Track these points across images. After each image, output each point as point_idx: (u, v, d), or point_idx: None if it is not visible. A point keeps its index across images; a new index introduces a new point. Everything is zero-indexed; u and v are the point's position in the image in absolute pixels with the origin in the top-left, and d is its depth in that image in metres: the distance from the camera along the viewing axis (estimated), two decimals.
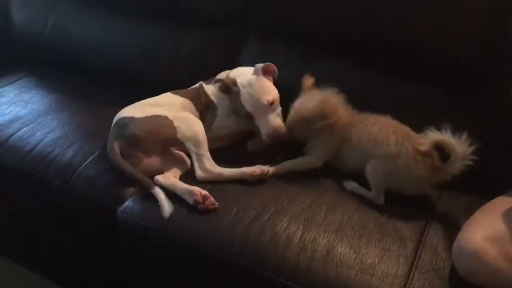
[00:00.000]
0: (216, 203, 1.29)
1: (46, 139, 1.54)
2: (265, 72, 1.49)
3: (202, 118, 1.51)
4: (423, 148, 1.28)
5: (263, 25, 1.71)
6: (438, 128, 1.26)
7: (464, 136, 1.24)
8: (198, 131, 1.43)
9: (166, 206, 1.28)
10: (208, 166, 1.38)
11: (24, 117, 1.65)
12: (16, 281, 1.70)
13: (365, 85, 1.55)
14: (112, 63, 1.87)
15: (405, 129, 1.36)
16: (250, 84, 1.47)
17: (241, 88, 1.47)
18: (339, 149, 1.39)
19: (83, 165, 1.45)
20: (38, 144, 1.53)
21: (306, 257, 1.17)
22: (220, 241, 1.23)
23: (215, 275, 1.25)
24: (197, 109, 1.53)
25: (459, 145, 1.24)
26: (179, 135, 1.40)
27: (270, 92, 1.46)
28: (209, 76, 1.60)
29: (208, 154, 1.40)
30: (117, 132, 1.42)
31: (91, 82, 1.87)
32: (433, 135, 1.27)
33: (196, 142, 1.40)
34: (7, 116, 1.65)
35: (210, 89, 1.56)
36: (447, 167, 1.27)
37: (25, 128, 1.59)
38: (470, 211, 1.22)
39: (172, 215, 1.28)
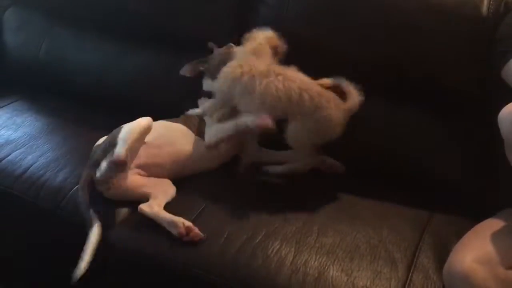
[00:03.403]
0: (201, 234, 1.26)
1: (37, 163, 1.54)
2: None
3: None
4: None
5: None
6: None
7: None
8: (133, 127, 1.37)
9: (80, 267, 1.25)
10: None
11: (16, 140, 1.64)
12: None
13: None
14: (105, 88, 1.88)
15: (311, 82, 1.39)
16: None
17: None
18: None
19: (74, 188, 1.44)
20: (29, 167, 1.52)
21: (298, 281, 1.17)
22: (212, 265, 1.23)
23: None
24: (195, 132, 1.53)
25: (347, 83, 1.36)
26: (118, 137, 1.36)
27: None
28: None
29: (126, 144, 1.32)
30: (88, 163, 1.43)
31: (84, 106, 1.87)
32: (326, 81, 1.37)
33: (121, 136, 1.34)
34: None
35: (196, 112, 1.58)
36: (350, 103, 1.36)
37: (17, 151, 1.59)
38: (460, 233, 1.23)
39: (162, 239, 1.27)
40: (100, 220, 1.33)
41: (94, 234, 1.30)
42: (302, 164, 1.43)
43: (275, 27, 1.65)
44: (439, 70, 1.48)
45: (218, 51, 1.61)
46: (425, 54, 1.48)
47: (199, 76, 1.62)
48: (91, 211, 1.34)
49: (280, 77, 1.35)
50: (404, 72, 1.52)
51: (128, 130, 1.37)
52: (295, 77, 1.37)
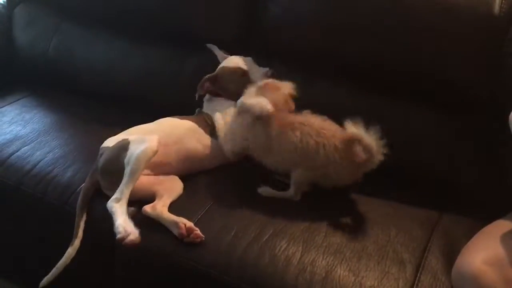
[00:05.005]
0: (202, 235, 1.25)
1: (45, 159, 1.54)
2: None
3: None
4: (358, 157, 1.30)
5: (263, 50, 1.72)
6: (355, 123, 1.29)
7: (374, 129, 1.27)
8: (140, 157, 1.31)
9: (49, 277, 1.32)
10: (115, 195, 1.30)
11: (25, 136, 1.65)
12: None
13: (362, 109, 1.54)
14: (114, 85, 1.89)
15: (333, 130, 1.35)
16: None
17: None
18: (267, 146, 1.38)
19: (82, 185, 1.45)
20: (38, 163, 1.53)
21: (305, 280, 1.16)
22: (219, 262, 1.23)
23: None
24: (207, 131, 1.53)
25: (372, 140, 1.26)
26: (125, 160, 1.33)
27: None
28: None
29: (128, 187, 1.30)
30: (95, 165, 1.42)
31: (93, 103, 1.87)
32: (349, 130, 1.29)
33: (128, 170, 1.31)
34: (7, 135, 1.65)
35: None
36: (368, 161, 1.29)
37: (25, 147, 1.59)
38: (469, 234, 1.22)
39: (169, 237, 1.27)
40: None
41: (73, 249, 1.33)
42: (294, 193, 1.40)
43: (284, 26, 1.65)
44: (450, 70, 1.47)
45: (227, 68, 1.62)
46: (436, 53, 1.47)
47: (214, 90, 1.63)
48: (81, 226, 1.35)
49: (297, 132, 1.33)
50: (414, 72, 1.51)
51: (134, 160, 1.32)
52: (314, 128, 1.33)
